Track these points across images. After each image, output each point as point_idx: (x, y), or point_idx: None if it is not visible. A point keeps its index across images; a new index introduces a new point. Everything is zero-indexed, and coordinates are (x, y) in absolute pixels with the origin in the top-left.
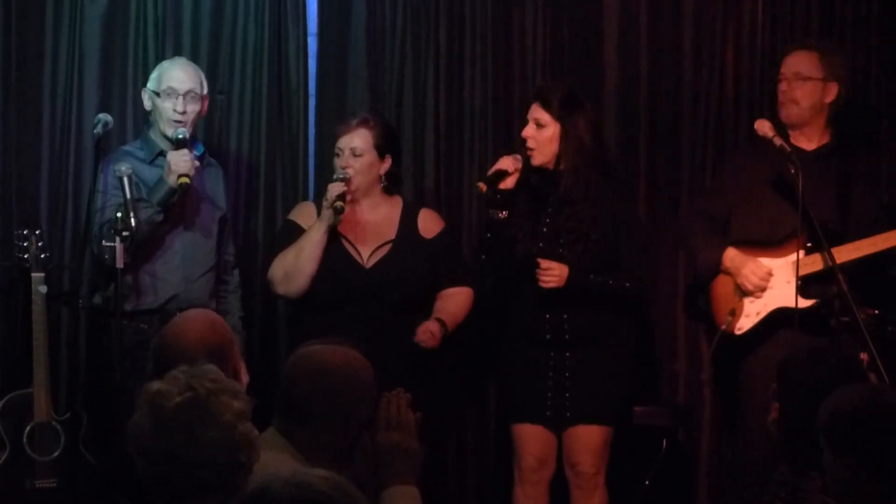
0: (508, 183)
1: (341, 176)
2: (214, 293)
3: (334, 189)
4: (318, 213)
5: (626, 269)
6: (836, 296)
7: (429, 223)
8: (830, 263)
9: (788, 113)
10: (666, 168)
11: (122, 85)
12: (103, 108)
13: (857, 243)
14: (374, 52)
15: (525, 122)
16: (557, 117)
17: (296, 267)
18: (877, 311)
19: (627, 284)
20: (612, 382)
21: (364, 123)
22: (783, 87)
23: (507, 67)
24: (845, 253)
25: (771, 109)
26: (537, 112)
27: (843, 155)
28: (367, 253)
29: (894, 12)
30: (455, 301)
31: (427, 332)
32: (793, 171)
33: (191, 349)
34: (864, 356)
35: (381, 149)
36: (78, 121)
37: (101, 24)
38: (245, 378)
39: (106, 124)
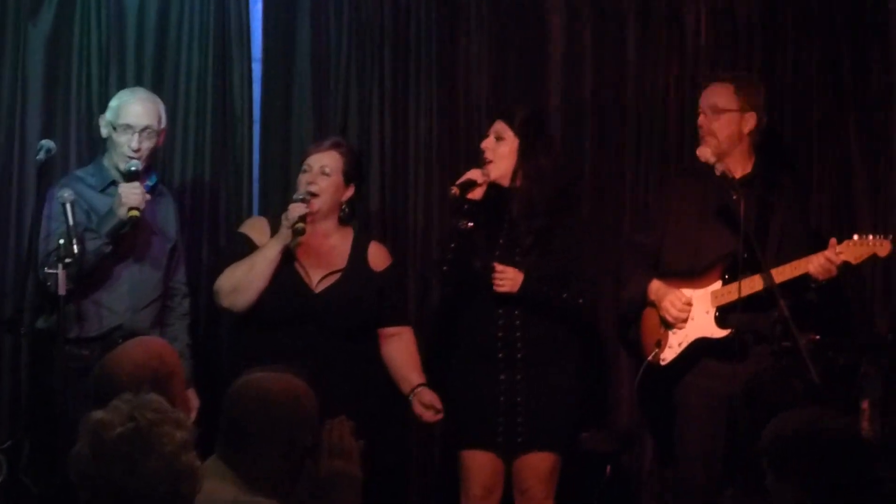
0: (476, 194)
1: (302, 196)
2: (159, 322)
3: (296, 210)
4: (271, 230)
5: (578, 285)
6: (777, 321)
7: (378, 256)
8: (771, 286)
9: (708, 146)
10: (609, 194)
11: (66, 110)
12: (46, 133)
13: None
14: (319, 79)
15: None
16: (518, 133)
17: (245, 281)
18: (818, 337)
19: (581, 301)
20: (562, 408)
21: (337, 147)
22: (701, 120)
23: (452, 93)
24: (756, 283)
25: None
26: (499, 126)
27: (767, 183)
28: (317, 278)
29: (834, 41)
30: (408, 350)
31: (430, 410)
32: (735, 197)
33: (129, 379)
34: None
35: (348, 176)
36: (21, 146)
37: (45, 49)
38: (195, 403)
39: (49, 150)
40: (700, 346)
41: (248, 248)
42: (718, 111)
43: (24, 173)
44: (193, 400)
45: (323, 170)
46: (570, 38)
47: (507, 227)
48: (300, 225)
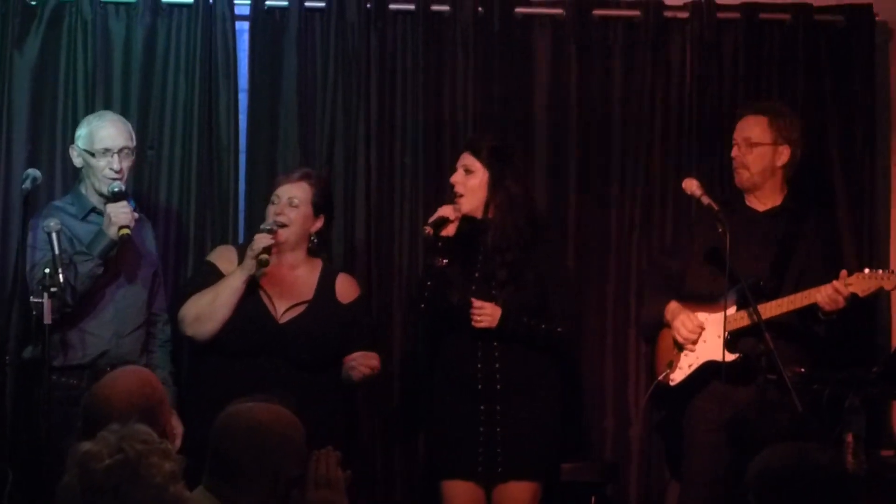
0: (449, 230)
1: (269, 227)
2: (145, 349)
3: (261, 241)
4: (239, 259)
5: (556, 315)
6: (763, 354)
7: (346, 288)
8: (756, 320)
9: (740, 178)
10: (595, 225)
11: (51, 140)
12: (32, 162)
13: (779, 301)
14: (305, 109)
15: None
16: (486, 165)
17: (209, 310)
18: (803, 370)
19: (560, 329)
20: (542, 437)
21: (306, 177)
22: (734, 152)
23: (438, 125)
24: (767, 310)
25: (698, 168)
26: (467, 159)
27: (794, 215)
28: (282, 308)
29: (818, 76)
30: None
31: (367, 367)
32: (720, 229)
33: (120, 409)
34: None
35: (318, 207)
36: (6, 176)
37: (31, 78)
38: (180, 429)
39: (35, 179)
40: (709, 370)
41: (214, 276)
42: (752, 144)
43: (9, 202)
44: (178, 427)
45: (291, 201)
46: (556, 68)
47: (481, 259)
48: (264, 256)
